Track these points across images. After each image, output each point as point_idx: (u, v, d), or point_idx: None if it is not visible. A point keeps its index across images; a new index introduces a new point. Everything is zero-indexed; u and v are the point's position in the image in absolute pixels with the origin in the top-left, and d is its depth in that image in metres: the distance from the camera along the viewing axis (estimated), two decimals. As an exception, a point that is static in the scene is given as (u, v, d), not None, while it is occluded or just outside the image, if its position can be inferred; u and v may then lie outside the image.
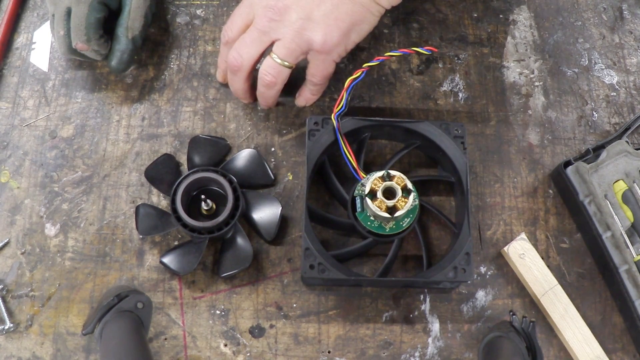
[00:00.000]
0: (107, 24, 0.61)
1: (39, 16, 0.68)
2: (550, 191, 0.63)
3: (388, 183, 0.53)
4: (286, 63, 0.56)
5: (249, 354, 0.57)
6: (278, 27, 0.56)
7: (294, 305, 0.58)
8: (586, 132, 0.66)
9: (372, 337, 0.58)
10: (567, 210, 0.62)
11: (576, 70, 0.68)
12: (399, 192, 0.53)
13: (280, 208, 0.58)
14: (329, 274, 0.53)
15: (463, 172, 0.58)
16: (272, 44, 0.57)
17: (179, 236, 0.60)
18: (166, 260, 0.57)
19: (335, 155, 0.60)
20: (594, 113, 0.66)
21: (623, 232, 0.57)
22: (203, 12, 0.69)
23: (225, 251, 0.58)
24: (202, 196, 0.57)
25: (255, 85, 0.60)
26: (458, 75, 0.67)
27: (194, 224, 0.56)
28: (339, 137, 0.58)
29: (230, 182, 0.58)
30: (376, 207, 0.53)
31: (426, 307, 0.59)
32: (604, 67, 0.68)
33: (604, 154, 0.60)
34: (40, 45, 0.66)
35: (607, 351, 0.57)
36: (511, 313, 0.54)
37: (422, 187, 0.61)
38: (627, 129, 0.64)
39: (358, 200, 0.55)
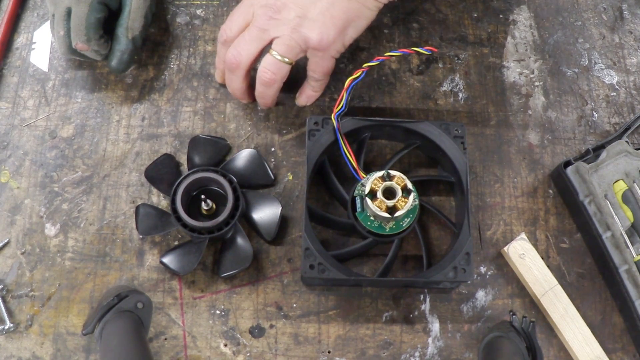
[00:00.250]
0: (107, 24, 0.61)
1: (39, 16, 0.68)
2: (550, 191, 0.63)
3: (388, 183, 0.53)
4: (286, 59, 0.57)
5: (249, 354, 0.57)
6: (276, 24, 0.56)
7: (294, 305, 0.58)
8: (586, 132, 0.66)
9: (372, 337, 0.58)
10: (567, 210, 0.62)
11: (576, 70, 0.68)
12: (399, 192, 0.53)
13: (280, 208, 0.58)
14: (329, 274, 0.53)
15: (463, 172, 0.58)
16: (270, 42, 0.57)
17: (179, 236, 0.60)
18: (166, 260, 0.57)
19: (335, 155, 0.59)
20: (594, 113, 0.66)
21: (623, 232, 0.57)
22: (203, 12, 0.69)
23: (225, 251, 0.58)
24: (202, 196, 0.57)
25: (254, 85, 0.60)
26: (458, 75, 0.67)
27: (194, 224, 0.56)
28: (339, 137, 0.58)
29: (230, 182, 0.58)
30: (376, 207, 0.53)
31: (426, 307, 0.59)
32: (604, 67, 0.68)
33: (604, 154, 0.60)
34: (40, 45, 0.66)
35: (607, 351, 0.57)
36: (511, 313, 0.54)
37: (422, 187, 0.61)
38: (627, 129, 0.64)
39: (358, 200, 0.56)
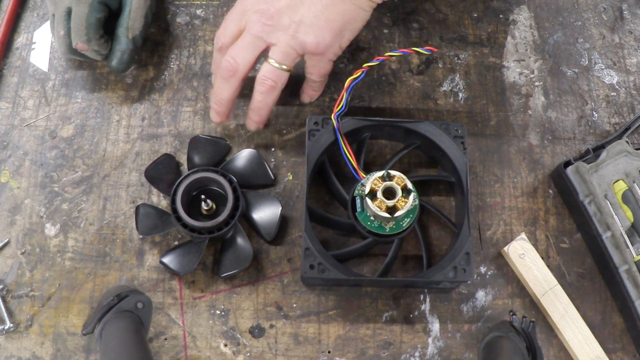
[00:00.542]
0: (107, 24, 0.61)
1: (39, 16, 0.68)
2: (550, 191, 0.63)
3: (388, 183, 0.53)
4: (284, 67, 0.56)
5: (249, 354, 0.57)
6: (271, 31, 0.56)
7: (294, 305, 0.58)
8: (586, 132, 0.66)
9: (372, 337, 0.58)
10: (567, 210, 0.62)
11: (576, 70, 0.68)
12: (399, 192, 0.53)
13: (280, 208, 0.58)
14: (329, 274, 0.53)
15: (463, 172, 0.58)
16: (266, 49, 0.57)
17: (179, 236, 0.60)
18: (166, 260, 0.57)
19: (335, 155, 0.59)
20: (594, 113, 0.66)
21: (623, 232, 0.57)
22: (203, 12, 0.69)
23: (225, 251, 0.58)
24: (202, 196, 0.57)
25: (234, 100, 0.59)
26: (458, 75, 0.67)
27: (194, 224, 0.56)
28: (339, 137, 0.58)
29: (230, 182, 0.58)
30: (376, 207, 0.53)
31: (426, 307, 0.59)
32: (604, 67, 0.68)
33: (604, 154, 0.60)
34: (40, 45, 0.66)
35: (607, 351, 0.57)
36: (511, 313, 0.54)
37: (422, 187, 0.61)
38: (627, 129, 0.64)
39: (358, 200, 0.56)
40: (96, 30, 0.60)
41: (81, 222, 0.60)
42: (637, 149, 0.61)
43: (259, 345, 0.57)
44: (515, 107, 0.66)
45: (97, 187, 0.61)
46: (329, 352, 0.57)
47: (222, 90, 0.59)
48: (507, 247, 0.59)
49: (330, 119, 0.58)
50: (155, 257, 0.59)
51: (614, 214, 0.58)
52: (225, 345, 0.57)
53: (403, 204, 0.53)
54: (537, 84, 0.67)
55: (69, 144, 0.62)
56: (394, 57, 0.67)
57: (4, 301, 0.57)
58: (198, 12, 0.69)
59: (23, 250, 0.59)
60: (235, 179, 0.58)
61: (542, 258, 0.59)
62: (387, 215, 0.53)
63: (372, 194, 0.53)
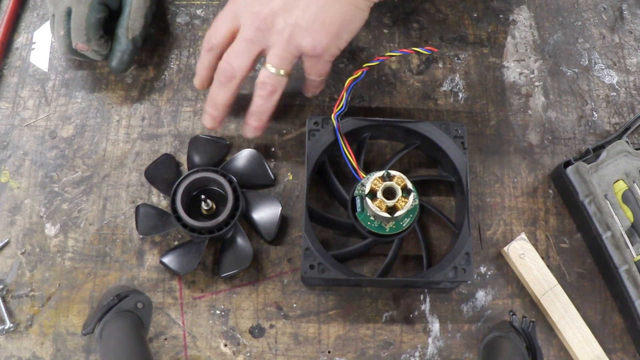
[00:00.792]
0: (107, 25, 0.61)
1: (39, 16, 0.68)
2: (550, 191, 0.63)
3: (388, 183, 0.53)
4: (282, 72, 0.55)
5: (249, 354, 0.57)
6: (266, 35, 0.54)
7: (294, 305, 0.58)
8: (586, 132, 0.66)
9: (372, 337, 0.58)
10: (567, 210, 0.62)
11: (576, 70, 0.68)
12: (399, 192, 0.53)
13: (280, 208, 0.58)
14: (329, 274, 0.53)
15: (463, 172, 0.58)
16: (262, 52, 0.56)
17: (179, 236, 0.60)
18: (166, 260, 0.57)
19: (335, 155, 0.60)
20: (594, 113, 0.66)
21: (623, 232, 0.57)
22: (203, 12, 0.69)
23: (225, 251, 0.58)
24: (202, 196, 0.57)
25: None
26: (458, 75, 0.67)
27: (194, 224, 0.56)
28: (339, 137, 0.58)
29: (230, 182, 0.58)
30: (376, 207, 0.53)
31: (426, 307, 0.59)
32: (604, 67, 0.68)
33: (604, 154, 0.60)
34: (40, 45, 0.66)
35: (607, 351, 0.57)
36: (511, 313, 0.54)
37: (422, 187, 0.61)
38: (627, 129, 0.64)
39: (358, 200, 0.55)
40: (96, 30, 0.60)
41: (81, 222, 0.60)
42: (637, 149, 0.61)
43: (259, 345, 0.57)
44: (515, 107, 0.66)
45: (97, 187, 0.61)
46: (329, 352, 0.57)
47: (219, 95, 0.58)
48: (507, 247, 0.59)
49: (330, 119, 0.58)
50: (155, 257, 0.59)
51: (614, 214, 0.58)
52: (225, 345, 0.57)
53: (403, 204, 0.53)
54: (537, 84, 0.67)
55: (69, 144, 0.62)
56: (394, 57, 0.67)
57: (4, 301, 0.57)
58: (198, 12, 0.69)
59: (23, 250, 0.59)
60: (235, 179, 0.58)
61: (542, 258, 0.59)
62: (387, 215, 0.53)
63: (372, 194, 0.53)
